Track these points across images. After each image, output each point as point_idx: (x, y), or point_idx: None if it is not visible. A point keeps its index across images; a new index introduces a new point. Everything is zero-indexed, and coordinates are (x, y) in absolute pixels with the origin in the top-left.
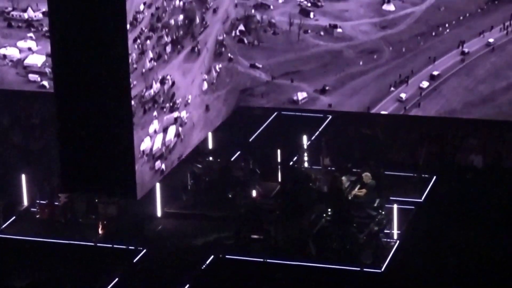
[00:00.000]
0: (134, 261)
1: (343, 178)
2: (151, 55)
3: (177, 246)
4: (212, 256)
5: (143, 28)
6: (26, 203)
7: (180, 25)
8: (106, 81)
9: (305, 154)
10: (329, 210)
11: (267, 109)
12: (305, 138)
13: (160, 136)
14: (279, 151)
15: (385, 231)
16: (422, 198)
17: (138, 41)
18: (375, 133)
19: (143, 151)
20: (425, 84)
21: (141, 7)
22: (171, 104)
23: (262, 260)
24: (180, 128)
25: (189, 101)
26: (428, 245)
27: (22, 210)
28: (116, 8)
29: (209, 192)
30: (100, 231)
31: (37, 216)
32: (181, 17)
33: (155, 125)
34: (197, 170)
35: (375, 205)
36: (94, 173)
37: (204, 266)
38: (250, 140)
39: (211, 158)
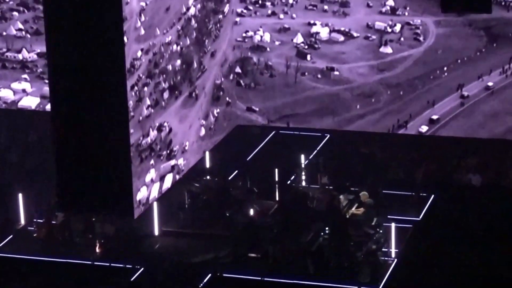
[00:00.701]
0: (132, 279)
1: (341, 196)
2: (148, 102)
3: (175, 264)
4: (210, 275)
5: (141, 75)
6: (23, 221)
7: (178, 70)
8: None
9: (303, 173)
10: (327, 228)
11: (265, 128)
12: (303, 156)
13: (157, 185)
14: (276, 169)
15: (383, 249)
16: (420, 217)
17: (136, 88)
18: (373, 152)
19: (139, 200)
20: (424, 128)
21: (139, 53)
22: (168, 151)
23: (259, 278)
24: (177, 176)
25: (186, 148)
26: (426, 264)
27: (19, 229)
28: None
29: (206, 211)
30: (97, 250)
31: (35, 234)
32: (178, 62)
33: (151, 174)
34: (195, 189)
35: (373, 223)
36: (91, 192)
37: (201, 284)
38: (248, 158)
39: (208, 177)
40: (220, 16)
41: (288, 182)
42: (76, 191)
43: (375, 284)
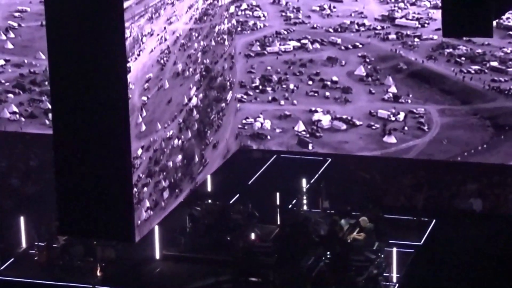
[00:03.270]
0: None
1: (342, 221)
2: (147, 203)
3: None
4: None
5: (140, 175)
6: (24, 245)
7: (179, 166)
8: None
9: (304, 197)
10: (328, 253)
11: (267, 152)
12: (304, 181)
13: None
14: (278, 194)
15: (384, 274)
16: (422, 242)
17: (135, 189)
18: (374, 177)
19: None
20: None
21: (139, 151)
22: None
23: None
24: None
25: None
26: None
27: (20, 252)
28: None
29: (207, 235)
30: (98, 274)
31: (35, 258)
32: (179, 157)
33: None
34: (196, 213)
35: (374, 248)
36: (91, 216)
37: None
38: (249, 182)
39: (210, 201)
40: (223, 104)
41: (289, 206)
42: (76, 216)
43: None
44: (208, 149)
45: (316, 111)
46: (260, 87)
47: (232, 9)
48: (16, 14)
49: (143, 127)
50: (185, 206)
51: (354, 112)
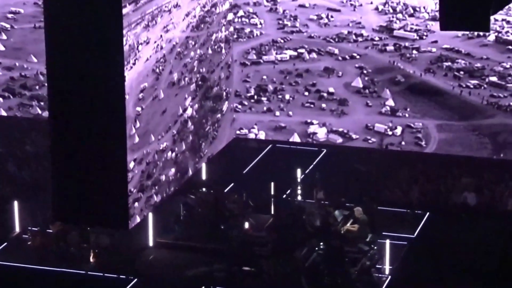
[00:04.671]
0: None
1: (336, 212)
2: (138, 219)
3: (169, 276)
4: None
5: (132, 189)
6: (18, 229)
7: (172, 180)
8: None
9: (299, 188)
10: (321, 244)
11: (262, 142)
12: (299, 171)
13: None
14: (273, 184)
15: (377, 266)
16: (415, 234)
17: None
18: (369, 169)
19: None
20: None
21: (131, 164)
22: None
23: None
24: None
25: None
26: (420, 281)
27: (13, 237)
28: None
29: (201, 224)
30: (91, 260)
31: (29, 243)
32: (172, 170)
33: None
34: (190, 201)
35: (368, 240)
36: (86, 203)
37: None
38: (244, 172)
39: (204, 190)
40: (219, 115)
41: (284, 196)
42: (71, 202)
43: None
44: (202, 162)
45: (312, 123)
46: (255, 97)
47: (230, 16)
48: (9, 16)
49: (136, 139)
50: (180, 194)
51: (350, 125)
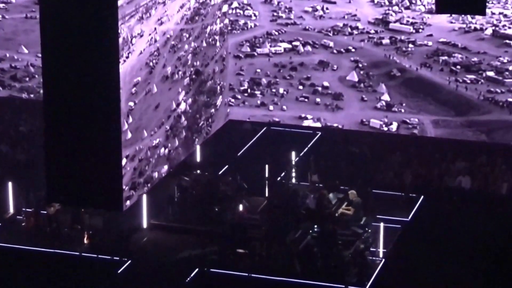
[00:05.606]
0: (119, 272)
1: (330, 195)
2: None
3: (162, 258)
4: (197, 270)
5: (124, 187)
6: (12, 210)
7: (164, 177)
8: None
9: (293, 170)
10: (315, 227)
11: (257, 124)
12: (293, 154)
13: None
14: (267, 166)
15: (371, 249)
16: (409, 218)
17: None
18: (363, 151)
19: None
20: None
21: (123, 161)
22: None
23: (246, 275)
24: None
25: None
26: (413, 264)
27: (7, 218)
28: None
29: (195, 206)
30: (85, 241)
31: (23, 224)
32: (165, 168)
33: None
34: (185, 183)
35: (362, 223)
36: (79, 184)
37: (188, 279)
38: (239, 154)
39: (198, 172)
40: (212, 110)
41: (278, 179)
42: (64, 184)
43: (362, 284)
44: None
45: (306, 118)
46: (249, 90)
47: (225, 8)
48: (1, 5)
49: (129, 135)
50: (174, 176)
51: (345, 120)
